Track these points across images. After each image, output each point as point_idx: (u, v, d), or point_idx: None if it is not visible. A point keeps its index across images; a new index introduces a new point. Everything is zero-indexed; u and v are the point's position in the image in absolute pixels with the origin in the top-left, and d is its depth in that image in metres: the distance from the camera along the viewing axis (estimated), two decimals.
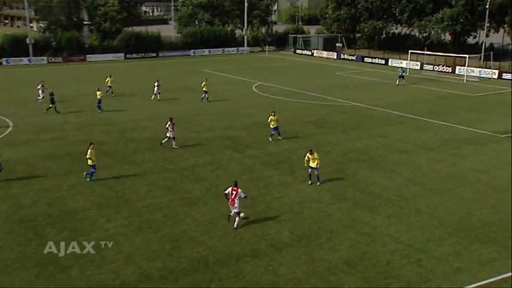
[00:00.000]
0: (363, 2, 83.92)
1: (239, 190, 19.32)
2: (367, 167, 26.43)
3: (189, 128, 34.39)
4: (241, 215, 19.66)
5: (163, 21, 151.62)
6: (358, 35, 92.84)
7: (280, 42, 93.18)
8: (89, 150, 24.18)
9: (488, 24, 71.54)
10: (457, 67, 63.38)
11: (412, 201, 22.36)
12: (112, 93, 45.62)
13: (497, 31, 74.79)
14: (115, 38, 79.46)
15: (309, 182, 23.88)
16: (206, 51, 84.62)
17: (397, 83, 53.84)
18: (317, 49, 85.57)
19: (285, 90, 49.86)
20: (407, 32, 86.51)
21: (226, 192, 19.70)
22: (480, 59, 66.10)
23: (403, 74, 54.73)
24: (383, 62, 72.53)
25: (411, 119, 37.66)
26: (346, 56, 78.81)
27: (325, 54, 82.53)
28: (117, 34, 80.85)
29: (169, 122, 29.46)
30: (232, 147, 30.09)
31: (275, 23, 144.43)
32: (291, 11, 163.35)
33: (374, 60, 73.95)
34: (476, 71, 60.76)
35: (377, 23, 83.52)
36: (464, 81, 56.94)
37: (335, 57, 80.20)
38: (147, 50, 79.41)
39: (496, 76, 59.47)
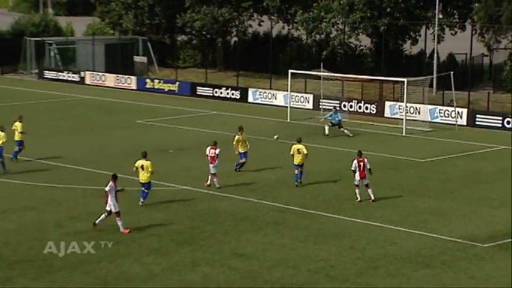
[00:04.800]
0: None
1: (366, 160, 41.05)
2: None
3: None
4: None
5: None
6: (182, 37, 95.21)
7: (6, 54, 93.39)
8: None
9: (441, 16, 76.68)
10: (387, 103, 67.37)
11: None
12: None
13: (462, 29, 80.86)
14: None
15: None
16: None
17: (326, 132, 58.42)
18: (92, 70, 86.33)
19: (19, 161, 49.35)
20: (285, 32, 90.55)
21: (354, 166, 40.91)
22: (431, 85, 70.20)
23: (339, 118, 59.10)
24: (237, 94, 75.37)
25: (300, 215, 38.80)
26: (157, 85, 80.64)
27: (110, 79, 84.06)
28: None
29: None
30: None
31: None
32: None
33: (217, 92, 76.48)
34: (424, 111, 64.96)
35: (220, 13, 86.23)
36: (403, 133, 60.72)
37: (134, 85, 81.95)
38: None
39: (464, 121, 64.09)
